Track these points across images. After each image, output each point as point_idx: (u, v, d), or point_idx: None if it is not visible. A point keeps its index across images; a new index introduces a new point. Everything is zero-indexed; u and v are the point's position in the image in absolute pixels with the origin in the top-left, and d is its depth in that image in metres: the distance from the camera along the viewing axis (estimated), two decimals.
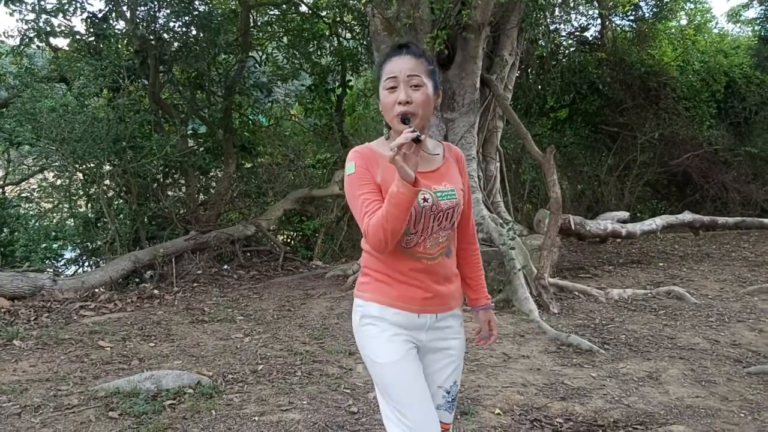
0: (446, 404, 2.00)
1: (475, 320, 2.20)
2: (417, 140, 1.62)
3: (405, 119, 1.78)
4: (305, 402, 3.60)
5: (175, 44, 9.13)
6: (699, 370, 4.19)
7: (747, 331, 5.13)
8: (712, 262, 8.24)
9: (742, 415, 3.47)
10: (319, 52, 11.08)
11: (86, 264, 8.37)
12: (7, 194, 8.50)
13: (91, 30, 8.84)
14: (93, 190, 7.83)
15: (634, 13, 11.61)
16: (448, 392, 2.00)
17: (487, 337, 2.18)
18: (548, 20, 9.73)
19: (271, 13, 11.37)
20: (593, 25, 11.86)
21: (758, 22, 13.69)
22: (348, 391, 3.79)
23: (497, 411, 3.50)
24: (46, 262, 7.46)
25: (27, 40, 8.65)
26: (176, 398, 3.60)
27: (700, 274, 7.47)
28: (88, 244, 8.27)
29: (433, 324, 1.94)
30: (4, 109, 7.78)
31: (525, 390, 3.83)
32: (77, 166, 7.58)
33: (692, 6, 13.30)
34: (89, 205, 8.28)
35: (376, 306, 1.89)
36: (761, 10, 13.23)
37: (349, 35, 11.30)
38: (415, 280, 1.88)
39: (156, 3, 8.84)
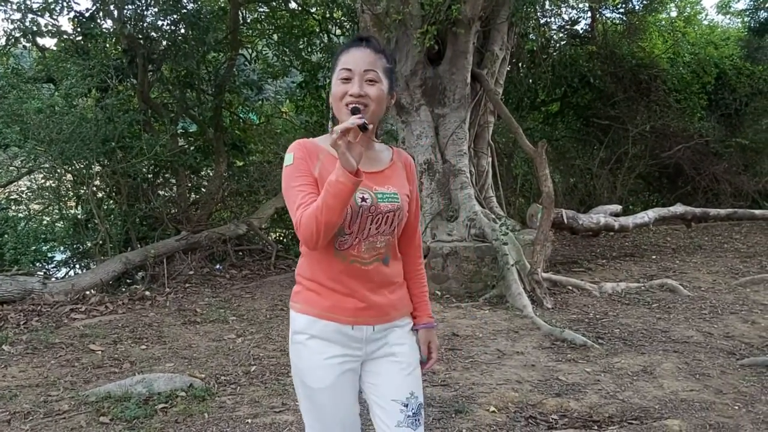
0: (406, 419, 1.80)
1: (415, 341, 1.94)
2: (364, 128, 1.52)
3: (355, 110, 1.66)
4: (298, 403, 3.56)
5: (164, 43, 9.06)
6: (693, 364, 4.20)
7: (740, 323, 5.14)
8: (705, 254, 8.26)
9: (737, 407, 3.47)
10: (309, 49, 11.01)
11: (76, 266, 8.29)
12: None
13: (79, 29, 8.75)
14: (82, 191, 7.75)
15: (624, 5, 11.62)
16: (406, 405, 1.80)
17: (425, 362, 1.94)
18: (538, 14, 9.72)
19: (261, 10, 11.29)
20: (583, 18, 11.87)
21: (747, 13, 13.72)
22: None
23: (492, 408, 3.48)
24: (36, 264, 7.39)
25: (13, 40, 8.58)
26: (168, 402, 3.56)
27: (693, 267, 7.49)
28: (79, 245, 8.19)
29: (371, 336, 1.79)
30: None
31: (520, 387, 3.82)
32: (66, 167, 7.50)
33: None
34: (79, 206, 8.19)
35: (305, 318, 1.76)
36: (750, 1, 13.25)
37: (339, 32, 11.24)
38: (346, 288, 1.75)
39: (144, 1, 8.77)
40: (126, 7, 8.75)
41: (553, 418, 3.38)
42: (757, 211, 9.61)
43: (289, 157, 1.76)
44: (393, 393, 1.81)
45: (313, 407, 1.79)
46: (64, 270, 8.20)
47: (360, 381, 1.85)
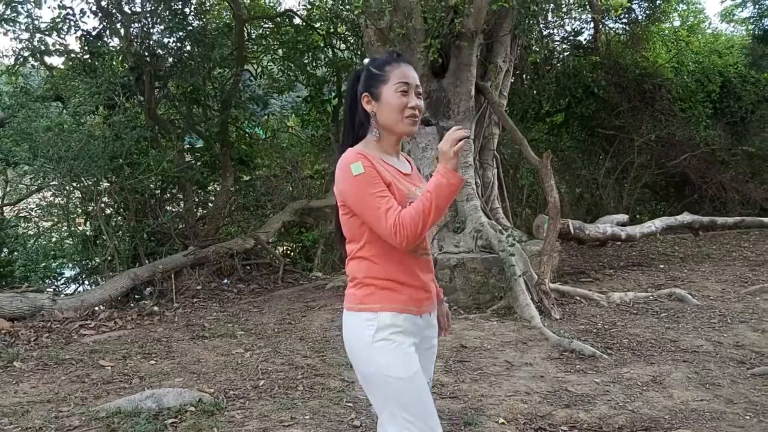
0: None
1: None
2: (468, 137, 1.80)
3: (428, 123, 1.98)
4: (307, 417, 3.57)
5: (170, 60, 9.16)
6: (703, 373, 4.17)
7: (750, 332, 5.11)
8: (713, 263, 8.22)
9: (748, 417, 3.45)
10: (314, 64, 11.10)
11: (86, 282, 8.35)
12: (5, 214, 8.48)
13: (86, 48, 8.87)
14: (91, 207, 7.82)
15: (627, 15, 11.64)
16: (428, 383, 2.04)
17: (445, 329, 2.23)
18: (541, 26, 9.76)
19: (266, 26, 11.41)
20: (586, 29, 11.89)
21: (751, 21, 13.72)
22: (350, 404, 3.77)
23: (501, 420, 3.48)
24: (46, 281, 7.46)
25: (22, 59, 8.69)
26: (178, 417, 3.57)
27: (701, 275, 7.46)
28: (87, 262, 8.25)
29: (427, 323, 2.00)
30: (1, 129, 7.78)
31: (529, 398, 3.81)
32: (75, 184, 7.58)
33: (685, 7, 13.35)
34: (87, 223, 8.27)
35: (389, 314, 1.88)
36: (754, 9, 13.27)
37: (343, 46, 11.33)
38: (416, 281, 1.93)
39: (150, 19, 8.88)
40: (132, 25, 8.86)
41: (562, 430, 3.37)
42: (765, 219, 9.54)
43: (358, 167, 1.84)
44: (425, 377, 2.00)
45: (410, 396, 1.86)
46: (73, 286, 8.26)
47: None
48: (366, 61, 2.06)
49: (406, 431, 1.85)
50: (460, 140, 1.78)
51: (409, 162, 2.12)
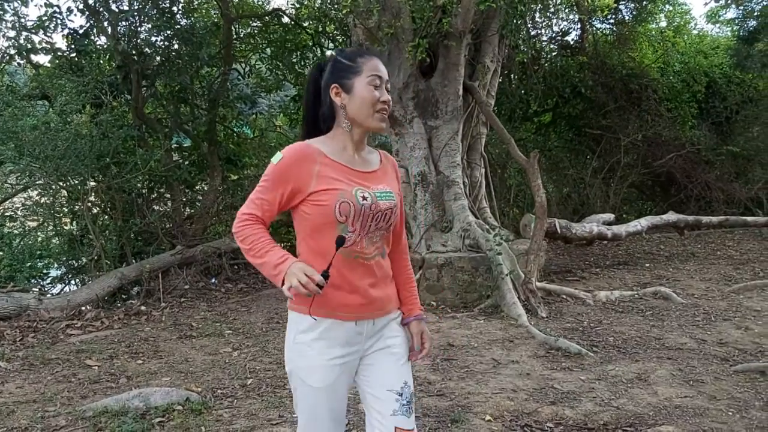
0: (401, 408, 1.90)
1: (408, 332, 2.04)
2: (319, 287, 1.70)
3: (340, 242, 1.78)
4: (295, 415, 3.57)
5: (158, 59, 9.10)
6: (687, 370, 4.23)
7: (733, 330, 5.18)
8: (698, 262, 8.31)
9: (730, 413, 3.50)
10: (302, 63, 11.08)
11: (72, 282, 8.28)
12: None
13: (73, 46, 8.80)
14: (77, 207, 7.76)
15: (613, 16, 11.73)
16: (400, 394, 1.90)
17: (419, 350, 2.03)
18: (529, 26, 9.81)
19: (254, 25, 11.37)
20: (574, 29, 11.97)
21: (736, 22, 13.85)
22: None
23: (488, 418, 3.50)
24: (32, 281, 7.38)
25: (7, 57, 8.61)
26: (165, 416, 3.57)
27: (686, 274, 7.54)
28: (74, 261, 8.19)
29: (371, 331, 1.90)
30: None
31: (515, 395, 3.84)
32: (61, 183, 7.52)
33: (671, 8, 13.46)
34: (74, 222, 8.20)
35: (310, 318, 1.82)
36: (739, 10, 13.39)
37: (332, 45, 11.31)
38: (350, 285, 1.83)
39: (137, 18, 8.82)
40: (120, 23, 8.80)
41: (548, 426, 3.40)
42: (749, 218, 9.69)
43: (277, 156, 1.83)
44: (388, 383, 1.91)
45: (309, 405, 1.87)
46: (59, 286, 8.19)
47: (355, 374, 1.94)
48: (330, 52, 1.94)
49: (301, 427, 1.91)
50: (298, 287, 1.67)
51: (383, 159, 2.00)
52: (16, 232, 7.91)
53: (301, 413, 1.90)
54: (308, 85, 1.96)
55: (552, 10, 9.89)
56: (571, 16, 11.52)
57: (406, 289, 2.07)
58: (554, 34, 11.69)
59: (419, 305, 2.08)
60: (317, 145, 1.87)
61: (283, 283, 1.72)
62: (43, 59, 9.33)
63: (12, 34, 8.26)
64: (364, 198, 1.82)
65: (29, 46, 8.51)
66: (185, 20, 9.45)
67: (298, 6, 10.71)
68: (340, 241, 1.77)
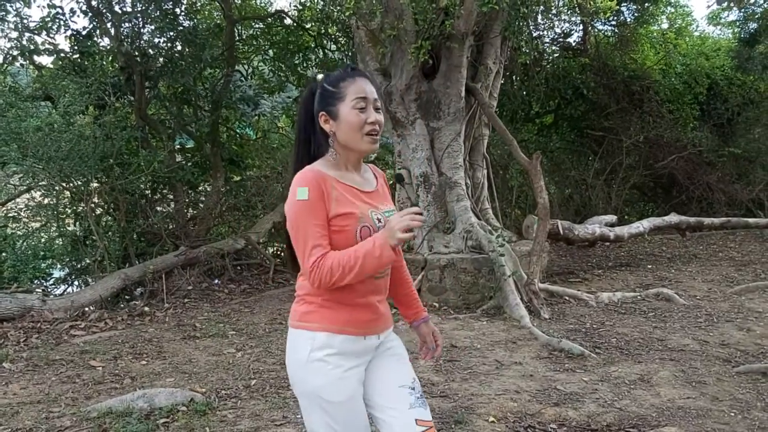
0: (417, 401, 1.94)
1: (418, 335, 2.17)
2: (400, 179, 1.70)
3: (400, 179, 1.85)
4: (299, 416, 3.59)
5: (161, 60, 9.14)
6: (689, 371, 4.23)
7: (735, 331, 5.18)
8: (700, 263, 8.31)
9: (733, 414, 3.51)
10: (304, 64, 11.11)
11: (75, 283, 8.31)
12: None
13: (76, 47, 8.83)
14: (81, 208, 7.78)
15: (615, 18, 11.73)
16: (413, 388, 1.96)
17: (434, 349, 2.15)
18: (531, 28, 9.81)
19: (256, 26, 11.40)
20: (576, 31, 11.97)
21: (738, 24, 13.85)
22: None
23: (491, 419, 3.52)
24: (35, 282, 7.41)
25: (10, 58, 8.64)
26: (170, 416, 3.58)
27: (688, 275, 7.54)
28: (77, 262, 8.22)
29: (377, 344, 1.95)
30: None
31: (518, 397, 3.85)
32: (64, 184, 7.55)
33: (673, 10, 13.46)
34: (77, 223, 8.22)
35: (325, 335, 1.82)
36: (740, 12, 13.40)
37: (334, 47, 11.34)
38: (361, 302, 1.87)
39: (140, 19, 8.86)
40: (123, 25, 8.84)
41: (551, 428, 3.41)
42: (750, 220, 9.69)
43: (303, 192, 1.78)
44: (399, 380, 1.95)
45: (337, 422, 1.83)
46: (63, 287, 8.22)
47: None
48: (319, 77, 1.93)
49: None
50: (411, 231, 1.69)
51: (375, 175, 2.03)
52: (19, 233, 7.94)
53: None
54: (300, 107, 1.96)
55: (554, 11, 9.89)
56: (573, 18, 11.53)
57: (408, 294, 2.14)
58: (556, 36, 11.70)
59: (423, 307, 2.16)
60: (322, 169, 1.86)
61: (394, 249, 1.73)
62: (46, 60, 9.38)
63: (15, 35, 8.32)
64: (379, 221, 1.85)
65: (32, 47, 8.55)
66: (188, 22, 9.48)
67: (300, 8, 10.74)
68: (400, 178, 1.85)
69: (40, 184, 7.64)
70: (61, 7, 8.54)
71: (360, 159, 1.95)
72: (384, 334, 1.97)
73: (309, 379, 1.83)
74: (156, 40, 9.12)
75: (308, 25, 10.92)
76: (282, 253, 10.06)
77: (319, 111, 1.88)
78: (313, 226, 1.77)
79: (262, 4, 11.81)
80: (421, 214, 1.72)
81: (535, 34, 10.47)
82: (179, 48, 9.21)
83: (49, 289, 7.85)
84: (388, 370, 1.96)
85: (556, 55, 11.82)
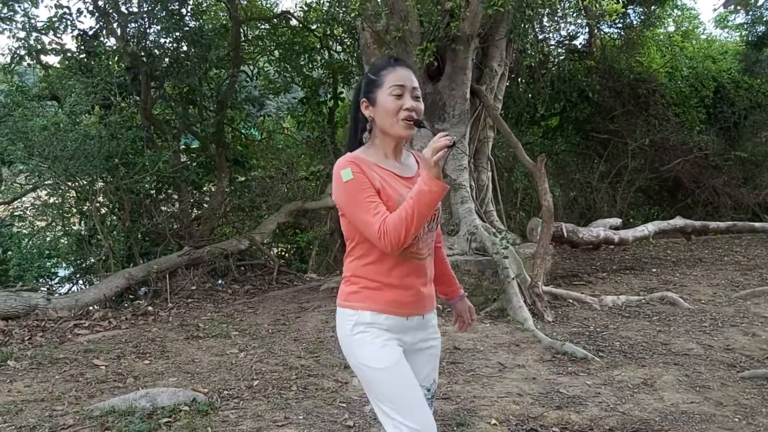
0: (426, 401, 2.04)
1: (455, 310, 2.34)
2: (453, 145, 1.75)
3: (419, 124, 1.90)
4: (301, 417, 3.59)
5: (166, 60, 9.16)
6: (693, 376, 4.22)
7: (740, 336, 5.16)
8: (705, 267, 8.28)
9: (737, 419, 3.49)
10: (310, 65, 11.13)
11: (80, 282, 8.34)
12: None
13: (82, 47, 8.86)
14: (86, 207, 7.81)
15: (622, 20, 11.71)
16: (428, 390, 2.09)
17: (469, 323, 2.32)
18: (536, 30, 9.80)
19: (262, 27, 11.42)
20: (582, 33, 11.97)
21: (745, 27, 13.83)
22: (344, 405, 3.80)
23: (493, 421, 3.51)
24: (40, 280, 7.43)
25: (17, 58, 8.67)
26: (172, 416, 3.59)
27: (693, 279, 7.51)
28: (82, 261, 8.24)
29: (419, 325, 2.03)
30: None
31: (521, 399, 3.84)
32: (70, 183, 7.57)
33: (680, 13, 13.44)
34: (82, 222, 8.26)
35: (369, 313, 1.93)
36: (748, 15, 13.37)
37: (339, 48, 11.36)
38: (405, 283, 1.96)
39: (146, 19, 8.88)
40: (129, 25, 8.87)
41: (554, 431, 3.40)
42: (757, 224, 9.66)
43: (347, 173, 1.88)
44: (422, 379, 2.06)
45: (388, 390, 1.91)
46: (67, 286, 8.24)
47: None
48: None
49: (385, 417, 1.91)
50: (442, 149, 1.75)
51: (418, 162, 2.10)
52: (25, 231, 7.97)
53: (383, 401, 1.92)
54: (353, 97, 2.10)
55: (560, 14, 9.87)
56: (579, 21, 11.51)
57: (447, 273, 2.28)
58: (562, 38, 11.70)
59: (459, 285, 2.33)
60: (362, 155, 1.97)
61: (440, 178, 1.78)
62: (52, 60, 9.41)
63: (22, 34, 8.32)
64: None
65: (39, 46, 8.58)
66: (194, 22, 9.50)
67: (306, 9, 10.76)
68: (419, 124, 1.91)
69: (45, 183, 7.67)
70: (68, 7, 8.58)
71: (399, 144, 2.03)
72: (429, 316, 2.07)
73: (354, 350, 1.95)
74: (162, 40, 9.15)
75: (314, 26, 10.94)
76: (286, 254, 10.10)
77: (361, 98, 2.00)
78: (365, 199, 1.86)
79: (268, 5, 11.84)
80: (447, 135, 1.77)
81: (540, 37, 10.47)
82: (185, 48, 9.23)
83: (53, 288, 7.88)
84: (420, 366, 2.06)
85: (561, 57, 11.80)
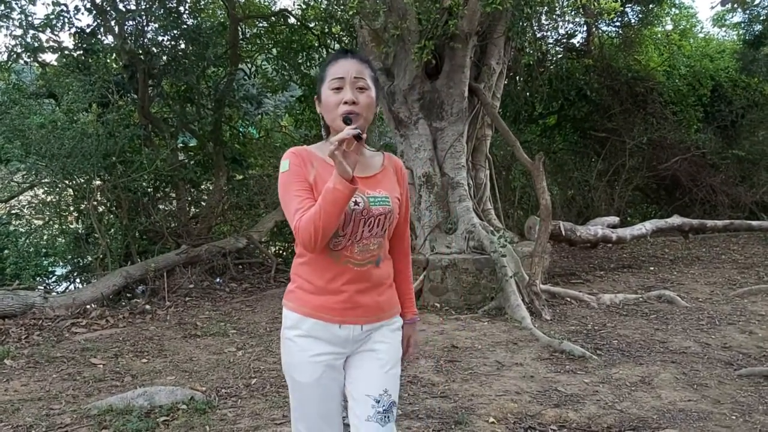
0: (376, 415, 1.85)
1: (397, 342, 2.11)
2: (358, 138, 1.63)
3: (347, 119, 1.77)
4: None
5: (164, 58, 9.14)
6: (691, 374, 4.22)
7: (737, 334, 5.17)
8: (702, 265, 8.30)
9: (734, 417, 3.50)
10: (308, 64, 11.10)
11: (77, 280, 8.32)
12: None
13: (80, 45, 8.84)
14: (83, 205, 7.80)
15: (620, 19, 11.71)
16: (377, 401, 1.86)
17: (404, 351, 2.08)
18: (535, 28, 9.80)
19: (260, 25, 11.39)
20: (580, 32, 11.95)
21: (742, 26, 13.83)
22: (342, 404, 3.78)
23: (491, 419, 3.51)
24: (37, 279, 7.42)
25: (15, 55, 8.64)
26: (170, 414, 3.58)
27: (691, 278, 7.52)
28: (79, 260, 8.23)
29: (358, 336, 1.88)
30: None
31: (519, 398, 3.85)
32: (67, 182, 7.56)
33: (677, 11, 13.44)
34: (80, 220, 8.24)
35: (295, 316, 1.87)
36: (745, 14, 13.37)
37: (337, 46, 11.33)
38: (337, 288, 1.83)
39: (144, 17, 8.86)
40: (127, 23, 8.84)
41: (552, 429, 3.40)
42: (754, 222, 9.67)
43: (285, 164, 1.85)
44: (367, 388, 1.89)
45: (299, 400, 1.91)
46: (64, 284, 8.24)
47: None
48: None
49: (291, 415, 1.95)
50: (343, 142, 1.63)
51: (384, 161, 1.98)
52: (22, 230, 7.96)
53: (293, 409, 1.96)
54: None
55: (558, 12, 9.87)
56: (577, 19, 11.51)
57: (404, 292, 2.08)
58: (560, 37, 11.68)
59: (414, 309, 2.12)
60: (314, 149, 1.92)
61: (352, 180, 1.67)
62: (50, 58, 9.39)
63: (19, 32, 8.29)
64: (355, 203, 1.80)
65: (36, 44, 8.54)
66: (192, 20, 9.49)
67: (304, 7, 10.74)
68: (347, 121, 1.76)
69: (43, 181, 7.66)
70: (65, 5, 8.54)
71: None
72: (370, 327, 1.90)
73: (283, 354, 1.93)
74: (160, 38, 9.13)
75: (312, 24, 10.91)
76: (283, 252, 10.09)
77: (315, 97, 1.94)
78: (294, 193, 1.80)
79: (266, 3, 11.80)
80: (354, 127, 1.66)
81: (538, 35, 10.46)
82: (183, 46, 9.21)
83: (50, 287, 7.87)
84: (363, 373, 1.91)
85: (559, 56, 11.80)
